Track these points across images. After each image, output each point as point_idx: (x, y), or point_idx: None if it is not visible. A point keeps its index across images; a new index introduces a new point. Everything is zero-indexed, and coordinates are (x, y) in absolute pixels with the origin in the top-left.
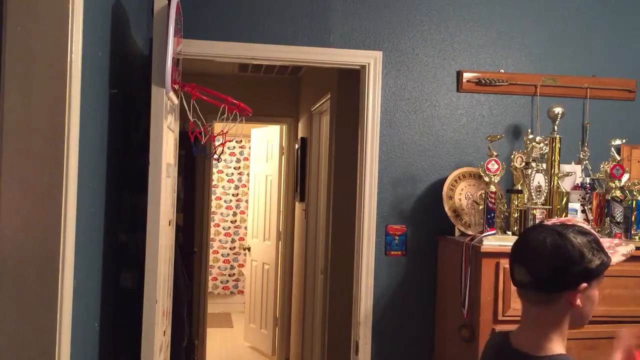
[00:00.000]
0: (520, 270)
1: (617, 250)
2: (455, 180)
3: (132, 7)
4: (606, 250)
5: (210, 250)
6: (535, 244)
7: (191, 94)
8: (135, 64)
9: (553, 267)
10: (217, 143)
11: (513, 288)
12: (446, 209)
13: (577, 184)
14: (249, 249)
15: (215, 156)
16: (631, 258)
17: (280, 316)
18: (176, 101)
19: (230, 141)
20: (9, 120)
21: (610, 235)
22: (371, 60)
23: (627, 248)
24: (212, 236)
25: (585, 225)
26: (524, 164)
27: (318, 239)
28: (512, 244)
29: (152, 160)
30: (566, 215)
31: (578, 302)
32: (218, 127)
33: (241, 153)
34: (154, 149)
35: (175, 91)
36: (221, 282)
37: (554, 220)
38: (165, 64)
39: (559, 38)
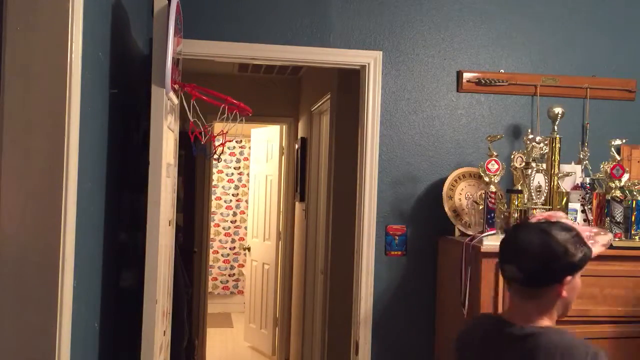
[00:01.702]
0: (511, 269)
1: (597, 240)
2: (455, 180)
3: (132, 7)
4: (587, 242)
5: (210, 250)
6: (524, 243)
7: (191, 94)
8: (135, 64)
9: (541, 263)
10: (217, 143)
11: None
12: (446, 209)
13: (577, 184)
14: (249, 249)
15: (215, 156)
16: (631, 258)
17: (280, 316)
18: (176, 101)
19: (230, 141)
20: (9, 121)
21: None
22: (371, 60)
23: (606, 238)
24: (212, 236)
25: (567, 221)
26: (524, 164)
27: (318, 239)
28: None
29: (152, 160)
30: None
31: (564, 293)
32: (218, 127)
33: (241, 153)
34: (154, 149)
35: (175, 91)
36: (221, 282)
37: (538, 216)
38: (165, 64)
39: (559, 38)
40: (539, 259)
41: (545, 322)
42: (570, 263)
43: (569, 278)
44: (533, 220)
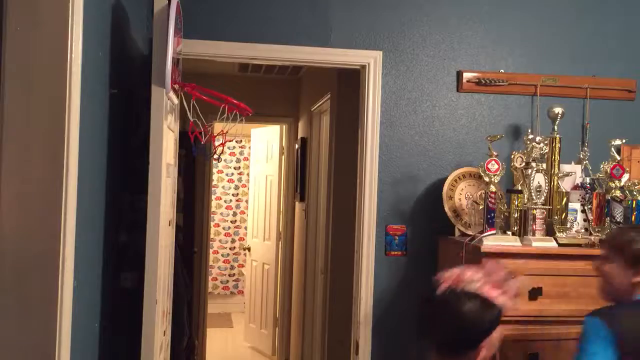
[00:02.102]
0: (428, 340)
1: (510, 287)
2: (455, 180)
3: (132, 7)
4: (495, 300)
5: (210, 250)
6: (434, 318)
7: (191, 94)
8: (135, 64)
9: (454, 337)
10: (217, 143)
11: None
12: (446, 209)
13: (577, 184)
14: (249, 249)
15: (215, 156)
16: None
17: (280, 316)
18: (176, 101)
19: (230, 141)
20: (9, 121)
21: None
22: (371, 60)
23: (516, 283)
24: (212, 236)
25: (474, 276)
26: (524, 164)
27: (318, 239)
28: (512, 244)
29: (152, 160)
30: (566, 215)
31: (483, 352)
32: (218, 127)
33: (241, 153)
34: (154, 149)
35: (175, 91)
36: (221, 282)
37: (446, 280)
38: (165, 64)
39: (559, 38)
40: (451, 334)
41: None
42: (482, 330)
43: (484, 342)
44: (441, 287)
